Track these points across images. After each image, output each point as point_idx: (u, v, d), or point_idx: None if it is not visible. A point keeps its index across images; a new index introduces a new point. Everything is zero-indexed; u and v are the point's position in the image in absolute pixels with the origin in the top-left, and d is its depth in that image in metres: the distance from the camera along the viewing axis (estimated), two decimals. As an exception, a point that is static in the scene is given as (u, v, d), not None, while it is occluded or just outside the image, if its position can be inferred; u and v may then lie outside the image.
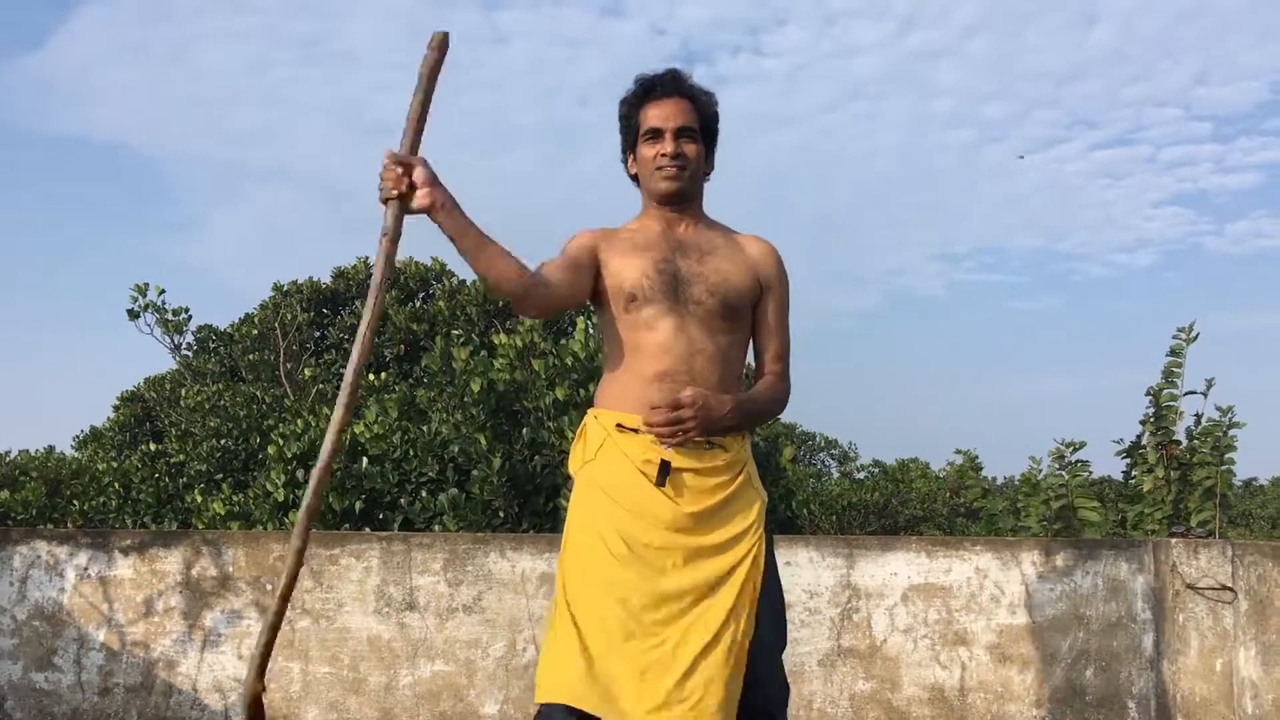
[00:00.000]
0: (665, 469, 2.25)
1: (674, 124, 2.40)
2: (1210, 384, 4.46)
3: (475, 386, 5.72)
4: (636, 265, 2.37)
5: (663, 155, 2.39)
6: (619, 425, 2.30)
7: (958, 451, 7.28)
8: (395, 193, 2.15)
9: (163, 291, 8.40)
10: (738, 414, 2.30)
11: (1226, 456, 4.51)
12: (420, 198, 2.15)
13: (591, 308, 2.52)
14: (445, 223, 2.18)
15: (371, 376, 7.86)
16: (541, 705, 2.22)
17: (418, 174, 2.15)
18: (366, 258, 10.39)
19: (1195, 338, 4.48)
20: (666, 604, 2.19)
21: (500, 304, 9.32)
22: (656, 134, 2.41)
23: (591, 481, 2.32)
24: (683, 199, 2.44)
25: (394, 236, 2.21)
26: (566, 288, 2.35)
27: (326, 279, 10.14)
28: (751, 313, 2.43)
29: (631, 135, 2.47)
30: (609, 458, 2.31)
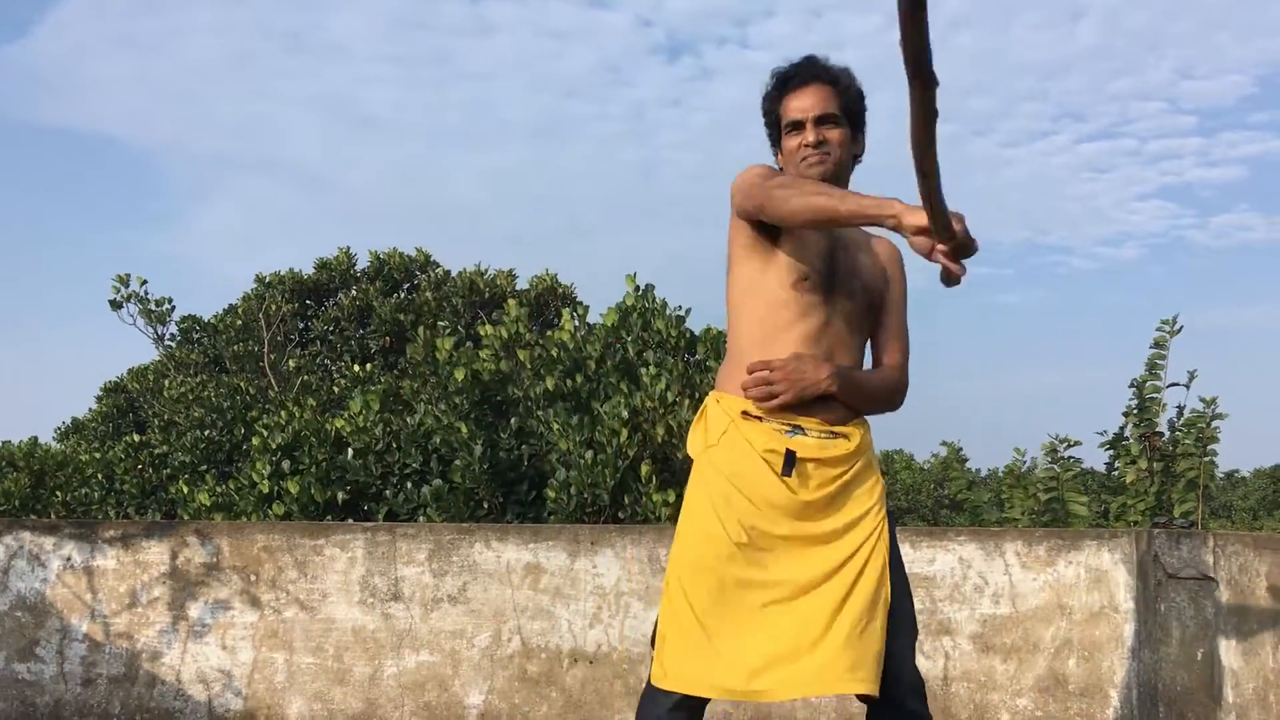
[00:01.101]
0: (790, 459, 2.22)
1: (814, 112, 2.38)
2: (1193, 376, 4.50)
3: (459, 376, 5.70)
4: (812, 246, 2.34)
5: (805, 145, 2.38)
6: (744, 413, 2.28)
7: (943, 444, 7.31)
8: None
9: (145, 282, 8.35)
10: (836, 382, 2.26)
11: (1209, 448, 4.54)
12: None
13: (729, 263, 2.42)
14: None
15: (356, 368, 7.83)
16: (664, 690, 2.21)
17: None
18: (349, 248, 10.34)
19: (1179, 330, 4.51)
20: (788, 591, 2.18)
21: (486, 294, 9.30)
22: (798, 125, 2.39)
23: (714, 467, 2.29)
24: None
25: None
26: None
27: (309, 270, 10.09)
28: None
29: (775, 130, 2.46)
30: (732, 444, 2.28)
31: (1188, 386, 4.51)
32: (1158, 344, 4.54)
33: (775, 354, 2.28)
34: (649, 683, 2.25)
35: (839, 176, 2.39)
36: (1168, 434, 4.64)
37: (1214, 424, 4.55)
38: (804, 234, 2.32)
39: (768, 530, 2.21)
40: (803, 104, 2.39)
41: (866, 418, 2.37)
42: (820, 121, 2.38)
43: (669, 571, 2.29)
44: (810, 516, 2.23)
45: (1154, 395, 4.61)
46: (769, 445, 2.23)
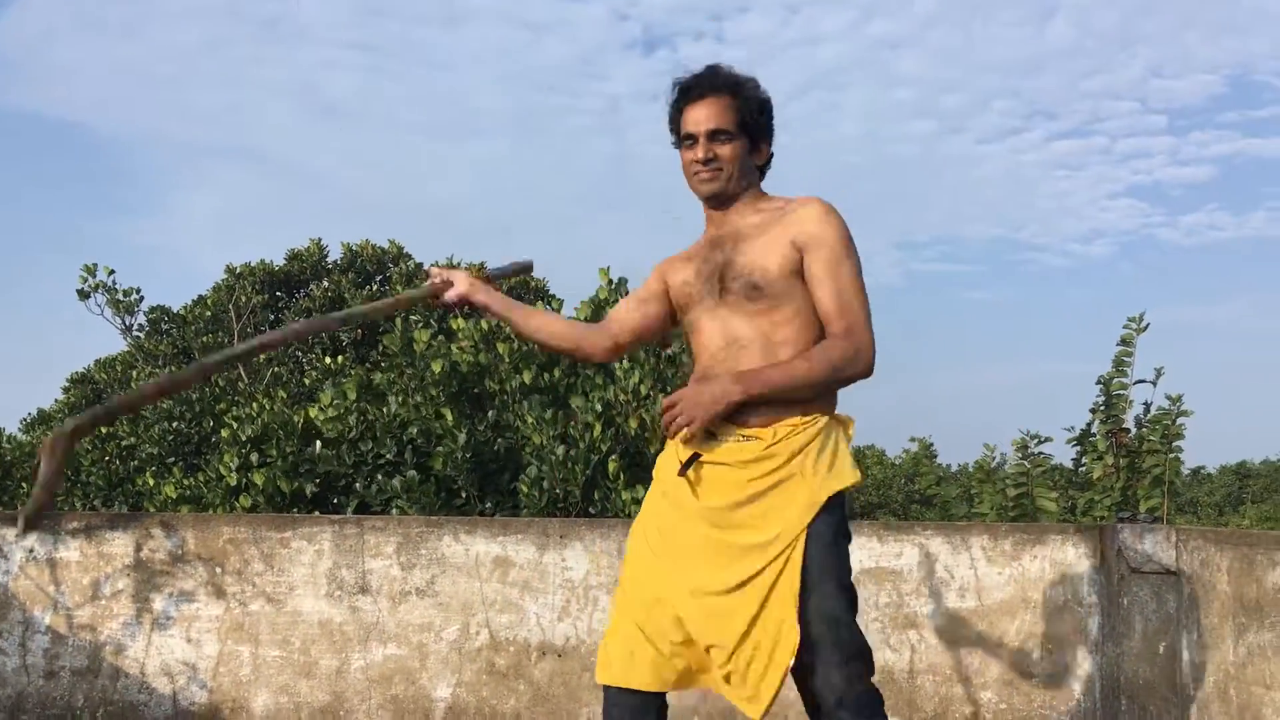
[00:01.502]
0: (690, 461, 2.31)
1: (705, 127, 2.38)
2: (1159, 373, 4.54)
3: (437, 368, 5.69)
4: (682, 275, 2.46)
5: (695, 162, 2.40)
6: None
7: (913, 439, 7.36)
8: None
9: (112, 272, 8.28)
10: (743, 387, 2.25)
11: (1175, 444, 4.59)
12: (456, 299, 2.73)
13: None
14: (488, 308, 2.68)
15: (328, 360, 7.79)
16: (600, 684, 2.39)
17: (453, 294, 2.73)
18: (320, 239, 10.29)
19: (1145, 327, 4.56)
20: (696, 596, 2.26)
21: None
22: (691, 139, 2.40)
23: (655, 472, 2.46)
24: (724, 200, 2.44)
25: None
26: (637, 319, 2.58)
27: (281, 261, 10.03)
28: (801, 282, 2.33)
29: (676, 139, 2.49)
30: (666, 450, 2.44)
31: (1154, 384, 4.56)
32: (1124, 341, 4.59)
33: (695, 372, 2.42)
34: None
35: (734, 190, 2.43)
36: (1134, 430, 4.68)
37: (1180, 421, 4.60)
38: (676, 275, 2.49)
39: (684, 532, 2.31)
40: (697, 117, 2.39)
41: (810, 421, 2.28)
42: (712, 137, 2.38)
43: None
44: (724, 523, 2.27)
45: (1121, 392, 4.65)
46: (684, 451, 2.34)
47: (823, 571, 2.23)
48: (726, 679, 2.28)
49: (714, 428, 2.29)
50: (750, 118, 2.40)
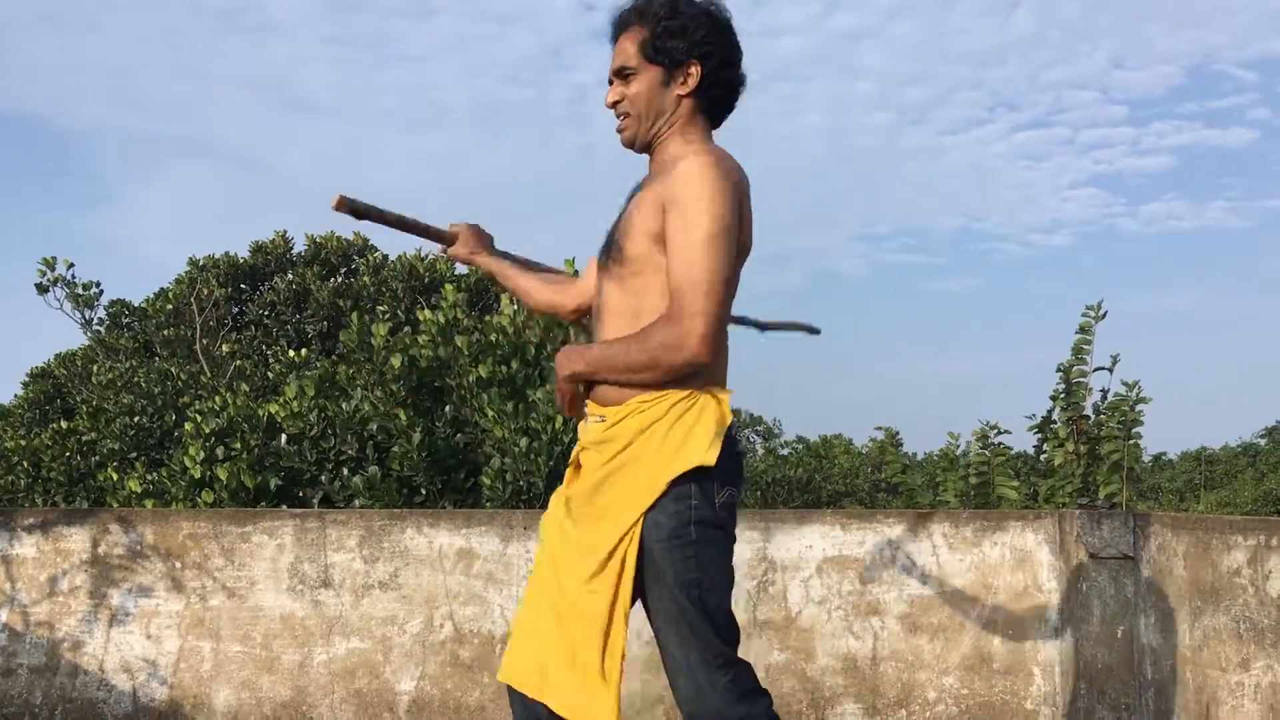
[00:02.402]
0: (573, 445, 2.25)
1: (611, 69, 2.16)
2: (1115, 360, 4.59)
3: (395, 363, 5.65)
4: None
5: (610, 108, 2.18)
6: None
7: (878, 428, 7.40)
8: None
9: (71, 265, 8.17)
10: (576, 366, 2.07)
11: (1134, 431, 4.64)
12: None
13: None
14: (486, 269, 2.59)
15: (292, 353, 7.73)
16: None
17: (455, 250, 2.62)
18: (285, 231, 10.20)
19: (1104, 315, 4.60)
20: (554, 594, 2.06)
21: (426, 279, 9.22)
22: (610, 85, 2.19)
23: None
24: (644, 148, 2.17)
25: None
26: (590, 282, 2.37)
27: (245, 253, 9.94)
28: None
29: None
30: None
31: (1111, 370, 4.61)
32: (1083, 329, 4.63)
33: None
34: None
35: (644, 137, 2.15)
36: (1093, 417, 4.73)
37: (1138, 408, 4.64)
38: None
39: (551, 525, 2.14)
40: (610, 60, 2.17)
41: (661, 396, 1.99)
42: (619, 76, 2.14)
43: None
44: (576, 515, 2.07)
45: (1080, 380, 4.69)
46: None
47: (660, 569, 1.98)
48: (555, 687, 2.05)
49: (584, 405, 2.10)
50: (660, 40, 2.08)
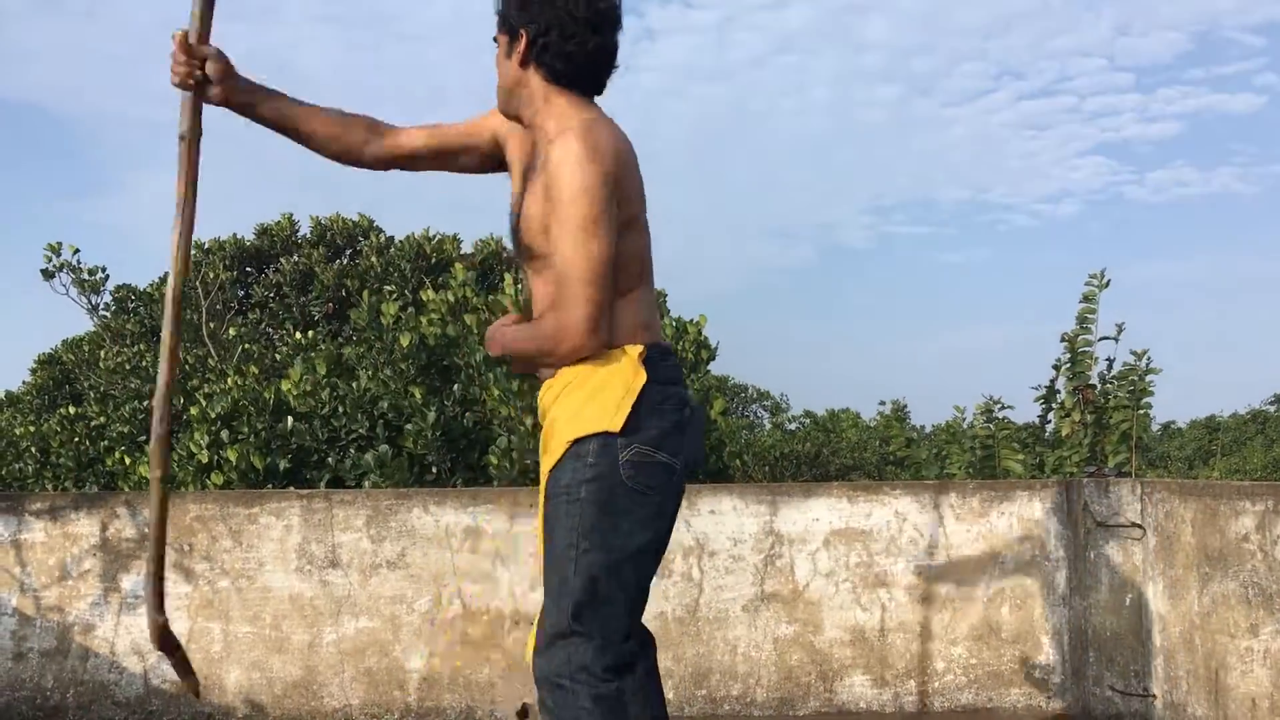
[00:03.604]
0: None
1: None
2: (1120, 329, 4.56)
3: (404, 341, 5.66)
4: (511, 170, 2.26)
5: None
6: None
7: (882, 403, 7.39)
8: (190, 82, 2.16)
9: (77, 251, 8.14)
10: (497, 350, 2.16)
11: (1144, 401, 4.62)
12: (215, 93, 2.18)
13: None
14: (249, 111, 2.21)
15: (298, 335, 7.73)
16: None
17: (210, 67, 2.16)
18: (291, 214, 10.18)
19: (1107, 284, 4.57)
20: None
21: (433, 259, 9.20)
22: None
23: None
24: (513, 118, 2.19)
25: (192, 137, 2.20)
26: (438, 144, 2.31)
27: (250, 236, 9.92)
28: None
29: None
30: None
31: (1116, 340, 4.58)
32: (1087, 298, 4.60)
33: None
34: None
35: (512, 111, 2.17)
36: (1099, 387, 4.71)
37: (1148, 378, 4.63)
38: (516, 142, 2.24)
39: None
40: None
41: (567, 372, 2.06)
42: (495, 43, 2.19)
43: None
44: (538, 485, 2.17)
45: (1086, 349, 4.67)
46: None
47: (550, 531, 2.04)
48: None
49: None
50: (503, 7, 2.13)
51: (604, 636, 2.00)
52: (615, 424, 1.98)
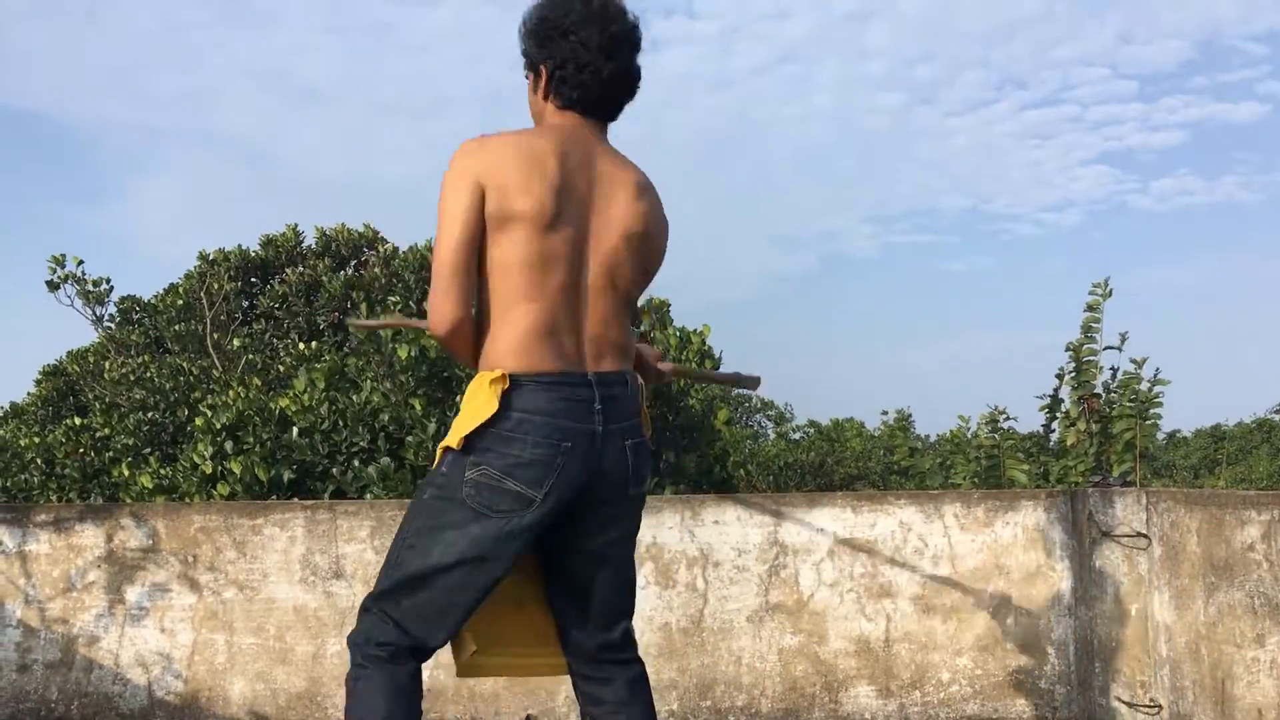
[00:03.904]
0: None
1: None
2: (1124, 338, 4.55)
3: (403, 354, 5.66)
4: None
5: None
6: None
7: (883, 412, 7.39)
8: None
9: (81, 262, 8.16)
10: None
11: (1151, 412, 4.61)
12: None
13: None
14: None
15: (302, 345, 7.74)
16: None
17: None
18: (296, 225, 10.21)
19: (1110, 293, 4.56)
20: None
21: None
22: None
23: None
24: None
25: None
26: None
27: (255, 247, 9.94)
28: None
29: None
30: None
31: (1120, 349, 4.58)
32: (1091, 307, 4.59)
33: None
34: None
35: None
36: (1104, 396, 4.70)
37: (1156, 389, 4.62)
38: None
39: None
40: None
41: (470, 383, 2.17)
42: None
43: None
44: None
45: (1091, 358, 4.66)
46: None
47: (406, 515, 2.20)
48: None
49: None
50: (523, 48, 2.27)
51: (399, 623, 2.09)
52: (455, 443, 2.07)
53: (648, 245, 2.21)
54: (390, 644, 2.08)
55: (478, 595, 2.10)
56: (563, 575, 2.23)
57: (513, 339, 2.07)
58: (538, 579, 2.28)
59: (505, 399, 2.04)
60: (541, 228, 2.06)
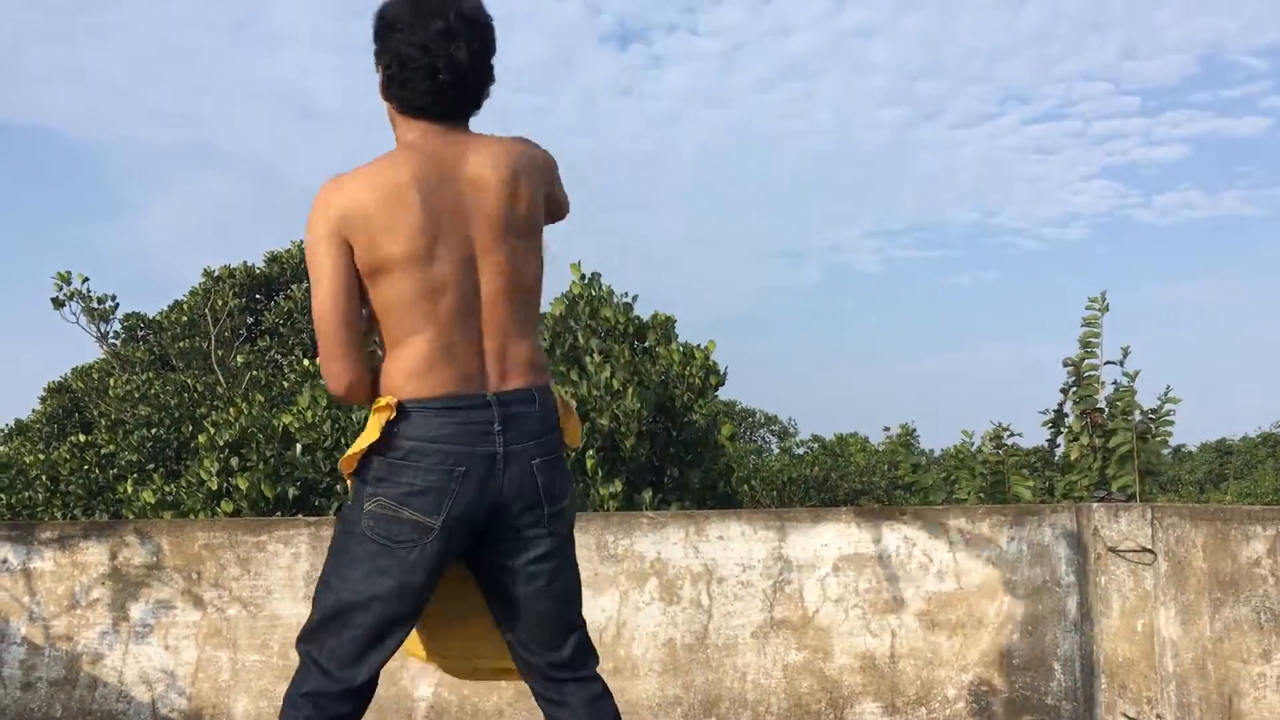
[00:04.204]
0: None
1: None
2: (1126, 352, 4.56)
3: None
4: None
5: None
6: None
7: (885, 428, 7.39)
8: None
9: (86, 279, 8.22)
10: None
11: (1162, 429, 4.62)
12: None
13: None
14: None
15: (306, 362, 7.76)
16: None
17: None
18: (301, 241, 10.25)
19: (1107, 307, 4.57)
20: None
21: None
22: None
23: None
24: None
25: None
26: None
27: (260, 264, 9.99)
28: None
29: None
30: None
31: (1121, 364, 4.58)
32: (1089, 322, 4.60)
33: None
34: None
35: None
36: (1107, 410, 4.70)
37: (1166, 408, 4.63)
38: None
39: None
40: None
41: None
42: None
43: None
44: None
45: (1091, 373, 4.67)
46: None
47: None
48: None
49: None
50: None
51: (323, 667, 2.06)
52: (343, 469, 2.08)
53: (528, 208, 2.09)
54: (314, 693, 2.05)
55: (397, 629, 2.07)
56: (498, 595, 2.16)
57: (405, 368, 2.02)
58: (478, 594, 2.22)
59: (395, 427, 2.00)
60: (417, 264, 1.99)
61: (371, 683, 2.10)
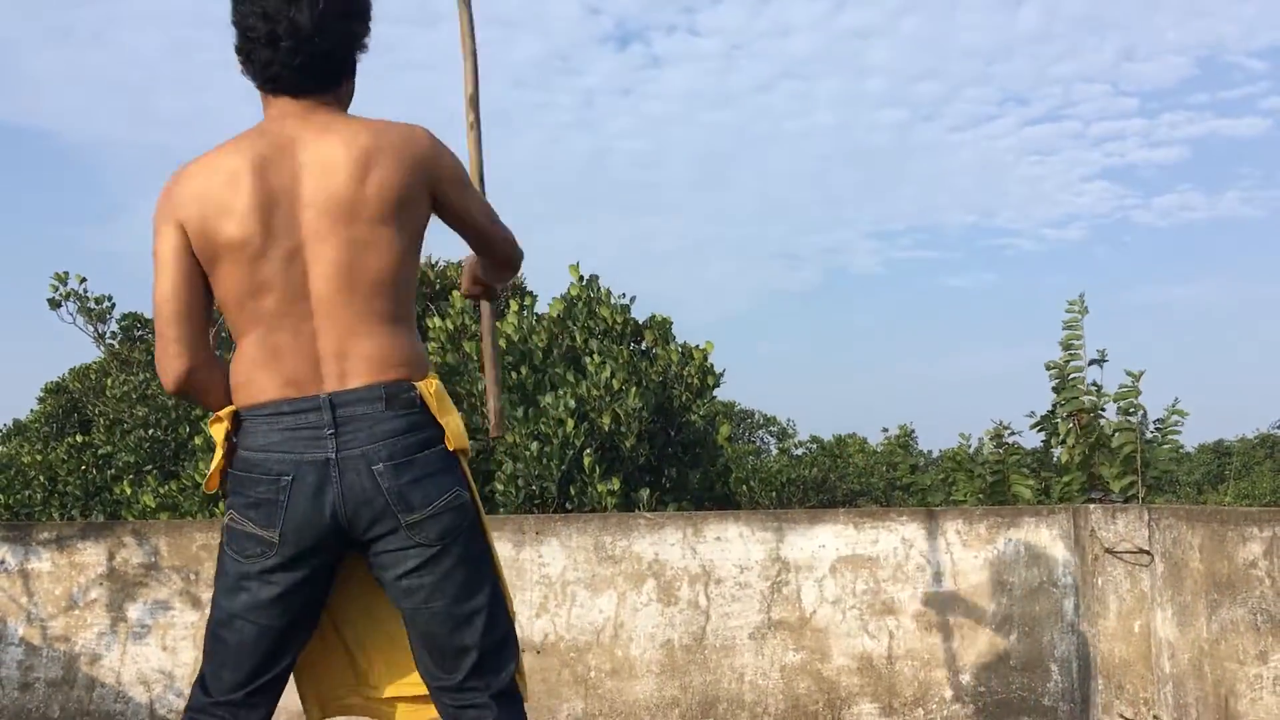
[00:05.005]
0: None
1: None
2: (1103, 354, 4.57)
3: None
4: None
5: None
6: None
7: (883, 430, 7.41)
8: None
9: (84, 280, 8.23)
10: None
11: (1169, 438, 4.63)
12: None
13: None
14: None
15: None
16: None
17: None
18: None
19: (1086, 310, 4.59)
20: None
21: (437, 286, 9.23)
22: None
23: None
24: None
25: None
26: None
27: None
28: None
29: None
30: None
31: (1101, 365, 4.59)
32: (1069, 325, 4.60)
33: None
34: (522, 698, 2.11)
35: None
36: (1094, 412, 4.70)
37: (1173, 419, 4.63)
38: None
39: None
40: None
41: None
42: None
43: (502, 574, 2.07)
44: None
45: (1076, 375, 4.67)
46: None
47: None
48: None
49: None
50: None
51: (205, 685, 2.00)
52: (205, 485, 2.03)
53: (382, 191, 1.88)
54: (196, 710, 2.00)
55: (273, 647, 1.97)
56: (392, 610, 2.03)
57: (238, 374, 1.93)
58: (354, 618, 2.11)
59: (234, 438, 1.93)
60: (251, 254, 1.87)
61: (258, 705, 2.01)
